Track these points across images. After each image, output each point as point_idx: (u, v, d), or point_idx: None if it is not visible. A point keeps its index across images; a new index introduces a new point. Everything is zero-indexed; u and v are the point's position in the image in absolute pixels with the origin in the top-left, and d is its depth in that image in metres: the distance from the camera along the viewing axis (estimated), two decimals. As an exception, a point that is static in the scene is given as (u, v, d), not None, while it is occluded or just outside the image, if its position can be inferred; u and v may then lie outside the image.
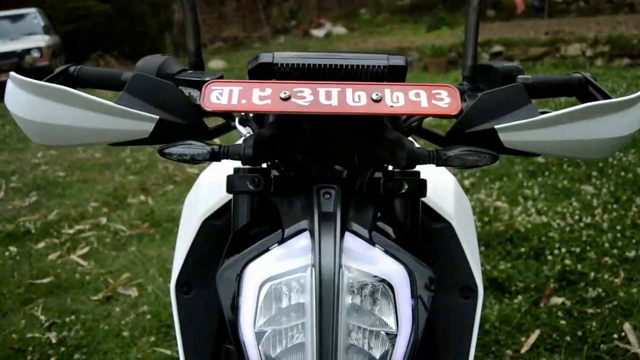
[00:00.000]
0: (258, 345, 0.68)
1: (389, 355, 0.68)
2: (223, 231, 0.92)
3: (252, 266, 0.70)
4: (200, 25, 0.88)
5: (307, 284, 0.69)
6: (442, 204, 0.92)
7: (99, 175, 4.53)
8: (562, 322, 2.03)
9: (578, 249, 2.44)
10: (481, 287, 0.88)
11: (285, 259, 0.70)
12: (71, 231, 3.41)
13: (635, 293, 2.14)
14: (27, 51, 10.21)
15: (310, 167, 0.81)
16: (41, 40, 10.64)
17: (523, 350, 1.94)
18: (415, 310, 0.69)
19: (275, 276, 0.69)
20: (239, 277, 0.70)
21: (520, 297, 2.21)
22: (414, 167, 0.73)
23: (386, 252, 0.71)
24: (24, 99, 0.73)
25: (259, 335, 0.68)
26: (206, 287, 0.89)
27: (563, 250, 2.44)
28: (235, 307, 0.69)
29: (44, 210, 3.85)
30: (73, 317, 2.43)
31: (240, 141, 0.78)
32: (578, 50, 7.26)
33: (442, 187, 0.99)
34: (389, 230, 0.74)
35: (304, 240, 0.71)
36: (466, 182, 3.36)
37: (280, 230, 0.72)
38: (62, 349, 2.20)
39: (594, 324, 2.00)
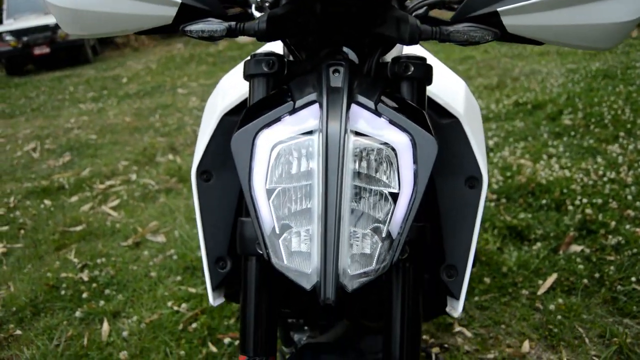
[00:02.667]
0: (269, 201, 0.73)
1: (390, 213, 0.73)
2: None
3: (264, 132, 0.75)
4: None
5: (315, 148, 0.73)
6: (451, 101, 0.95)
7: (129, 137, 4.65)
8: (580, 266, 2.04)
9: (600, 201, 2.43)
10: (486, 177, 0.91)
11: (295, 126, 0.75)
12: (102, 186, 3.53)
13: (657, 241, 2.14)
14: (60, 25, 10.40)
15: (320, 48, 0.84)
16: (73, 15, 10.81)
17: (539, 292, 1.97)
18: (416, 173, 0.73)
19: (286, 140, 0.74)
20: (253, 142, 0.75)
21: (539, 244, 2.22)
22: (417, 42, 0.76)
23: (391, 121, 0.75)
24: None
25: (269, 192, 0.73)
26: (224, 175, 0.95)
27: (584, 201, 2.43)
28: (248, 168, 0.74)
29: (77, 169, 3.99)
30: (104, 259, 2.54)
31: None
32: (612, 20, 7.06)
33: (452, 89, 1.02)
34: (395, 104, 0.78)
35: (313, 110, 0.75)
36: (490, 142, 3.36)
37: (291, 102, 0.76)
38: (94, 285, 2.32)
39: (612, 268, 2.00)
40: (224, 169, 0.95)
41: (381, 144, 0.74)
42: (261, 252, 0.81)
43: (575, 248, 2.18)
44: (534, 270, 2.08)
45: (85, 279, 2.39)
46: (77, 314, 2.13)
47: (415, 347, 0.85)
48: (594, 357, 1.66)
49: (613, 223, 2.26)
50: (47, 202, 3.38)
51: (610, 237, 2.19)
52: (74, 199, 3.40)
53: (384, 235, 0.72)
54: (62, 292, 2.29)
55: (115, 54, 11.76)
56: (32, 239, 2.89)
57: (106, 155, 4.24)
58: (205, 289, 2.19)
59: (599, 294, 1.91)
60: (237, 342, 1.88)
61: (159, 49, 11.37)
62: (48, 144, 4.82)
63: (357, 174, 0.73)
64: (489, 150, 3.24)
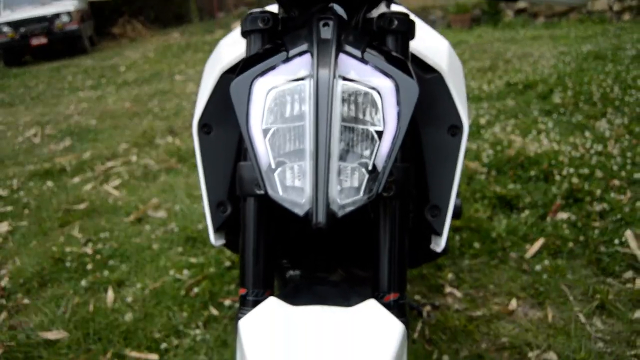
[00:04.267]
0: (265, 139, 0.81)
1: (375, 149, 0.81)
2: None
3: (260, 79, 0.83)
4: None
5: (306, 92, 0.81)
6: (434, 57, 1.02)
7: (128, 122, 4.71)
8: (567, 231, 2.13)
9: (587, 171, 2.51)
10: (466, 125, 0.98)
11: (288, 74, 0.83)
12: (103, 167, 3.60)
13: (640, 207, 2.22)
14: (57, 15, 10.43)
15: (311, 5, 0.92)
16: (70, 5, 10.85)
17: (527, 256, 2.05)
18: (399, 114, 0.81)
19: (280, 85, 0.82)
20: (250, 88, 0.83)
21: (527, 212, 2.30)
22: None
23: (376, 68, 0.83)
24: None
25: (265, 132, 0.81)
26: (223, 127, 1.02)
27: (571, 171, 2.52)
28: (246, 111, 0.82)
29: (78, 152, 4.06)
30: (107, 234, 2.62)
31: None
32: (605, 4, 7.13)
33: (435, 46, 1.09)
34: (380, 53, 0.85)
35: (304, 59, 0.83)
36: (481, 120, 3.43)
37: (285, 52, 0.84)
38: (98, 257, 2.40)
39: (596, 232, 2.09)
40: (223, 122, 1.03)
41: (367, 88, 0.82)
42: (259, 192, 0.89)
43: (562, 215, 2.26)
44: (522, 236, 2.16)
45: (89, 252, 2.47)
46: (83, 283, 2.21)
47: (402, 282, 0.93)
48: (578, 313, 1.75)
49: (599, 191, 2.34)
50: (50, 183, 3.45)
51: (595, 204, 2.27)
52: (76, 179, 3.47)
53: (370, 168, 0.80)
54: (67, 264, 2.37)
55: (112, 44, 11.79)
56: (37, 217, 2.96)
57: (106, 139, 4.31)
58: (207, 257, 2.28)
59: (583, 256, 2.00)
60: (237, 305, 1.96)
61: (155, 38, 11.40)
62: (48, 129, 4.88)
63: (346, 116, 0.81)
64: (475, 113, 3.33)
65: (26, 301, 2.18)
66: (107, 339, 1.87)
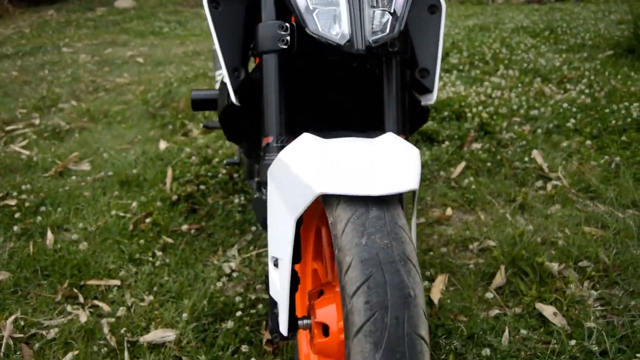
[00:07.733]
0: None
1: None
2: None
3: None
4: None
5: None
6: None
7: (20, 89, 4.37)
8: (484, 155, 2.40)
9: (492, 110, 2.83)
10: (444, 5, 1.16)
11: None
12: (3, 131, 3.34)
13: (540, 135, 2.57)
14: None
15: None
16: None
17: (453, 176, 2.29)
18: None
19: None
20: None
21: (447, 143, 2.55)
22: None
23: None
24: None
25: None
26: (230, 3, 1.10)
27: (480, 109, 2.82)
28: None
29: (-34, 119, 3.71)
30: (29, 186, 2.47)
31: None
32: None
33: None
34: None
35: None
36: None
37: None
38: (27, 204, 2.26)
39: (509, 152, 2.39)
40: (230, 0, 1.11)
41: None
42: (281, 46, 0.98)
43: (477, 145, 2.54)
44: (445, 162, 2.40)
45: (12, 203, 2.32)
46: (15, 229, 2.08)
47: (405, 125, 1.07)
48: (504, 214, 2.00)
49: (505, 124, 2.66)
50: (-60, 148, 3.14)
51: (504, 133, 2.58)
52: (-27, 144, 3.19)
53: (392, 12, 0.93)
54: (-10, 216, 2.22)
55: (-26, 21, 10.67)
56: None
57: (-3, 106, 3.98)
58: (147, 197, 2.26)
59: (501, 173, 2.28)
60: (192, 232, 1.98)
61: (27, 15, 10.50)
62: None
63: None
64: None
65: (-52, 252, 2.01)
66: (59, 274, 1.80)
